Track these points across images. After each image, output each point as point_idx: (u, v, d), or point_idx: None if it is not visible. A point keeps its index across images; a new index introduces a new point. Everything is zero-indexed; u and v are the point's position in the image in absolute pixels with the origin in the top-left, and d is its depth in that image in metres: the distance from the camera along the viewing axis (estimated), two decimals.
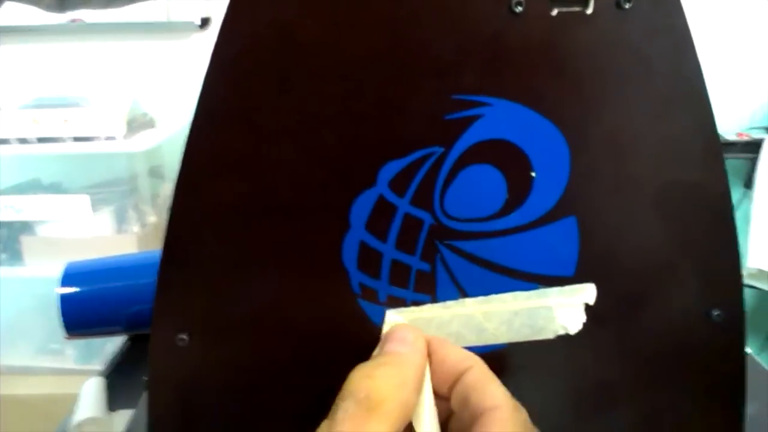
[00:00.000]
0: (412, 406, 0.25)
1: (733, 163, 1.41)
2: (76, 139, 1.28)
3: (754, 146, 1.32)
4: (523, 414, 0.24)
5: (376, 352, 0.27)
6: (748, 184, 1.36)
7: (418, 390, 0.25)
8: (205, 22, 1.46)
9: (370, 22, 0.29)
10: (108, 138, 1.27)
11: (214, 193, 0.31)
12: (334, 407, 0.23)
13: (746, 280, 1.19)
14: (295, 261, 0.32)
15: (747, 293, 1.41)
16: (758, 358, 0.63)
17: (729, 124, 1.41)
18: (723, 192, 0.31)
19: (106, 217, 1.35)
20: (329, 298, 0.33)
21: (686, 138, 0.30)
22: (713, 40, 1.28)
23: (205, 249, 0.31)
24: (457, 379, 0.26)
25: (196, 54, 1.46)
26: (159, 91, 1.46)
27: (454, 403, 0.26)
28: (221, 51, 0.28)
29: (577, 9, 0.28)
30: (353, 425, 0.22)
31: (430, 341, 0.27)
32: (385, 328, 0.29)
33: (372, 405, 0.23)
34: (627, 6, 0.28)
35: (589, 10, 0.28)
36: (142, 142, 1.30)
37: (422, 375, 0.26)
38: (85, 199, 1.29)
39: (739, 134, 1.39)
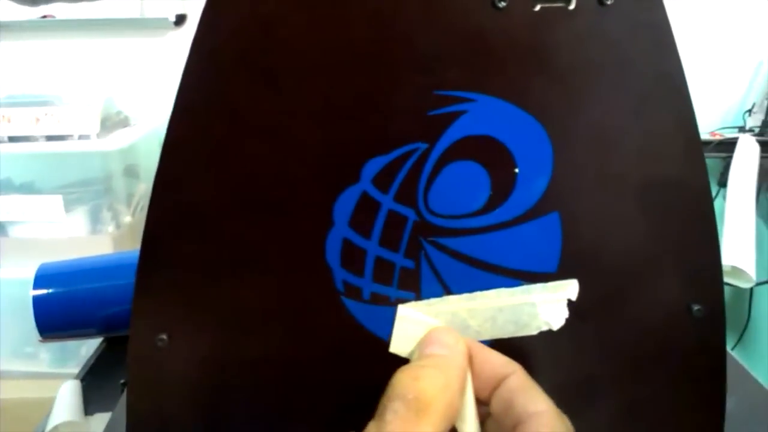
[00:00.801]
0: (457, 409, 0.25)
1: (707, 162, 1.43)
2: (49, 138, 1.25)
3: (727, 145, 1.34)
4: (566, 420, 0.25)
5: (415, 355, 0.28)
6: (722, 182, 1.38)
7: (462, 393, 0.26)
8: (180, 19, 1.44)
9: (352, 15, 0.28)
10: (81, 137, 1.25)
11: (193, 191, 0.30)
12: (381, 408, 0.24)
13: None
14: (278, 259, 0.32)
15: None
16: (734, 354, 0.64)
17: (702, 124, 1.43)
18: (703, 188, 0.31)
19: (80, 218, 1.32)
20: (313, 296, 0.32)
21: (667, 134, 0.30)
22: (687, 40, 1.30)
23: (185, 248, 0.31)
24: (498, 384, 0.26)
25: (171, 51, 1.44)
26: (133, 89, 1.44)
27: (496, 406, 0.26)
28: (200, 44, 0.28)
29: (559, 5, 0.28)
30: (403, 426, 0.22)
31: (470, 345, 0.28)
32: (398, 323, 0.29)
33: (421, 406, 0.23)
34: (609, 2, 0.28)
35: (572, 6, 0.28)
36: (117, 140, 1.27)
37: (465, 378, 0.26)
38: (58, 200, 1.27)
39: (713, 133, 1.41)
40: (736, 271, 1.18)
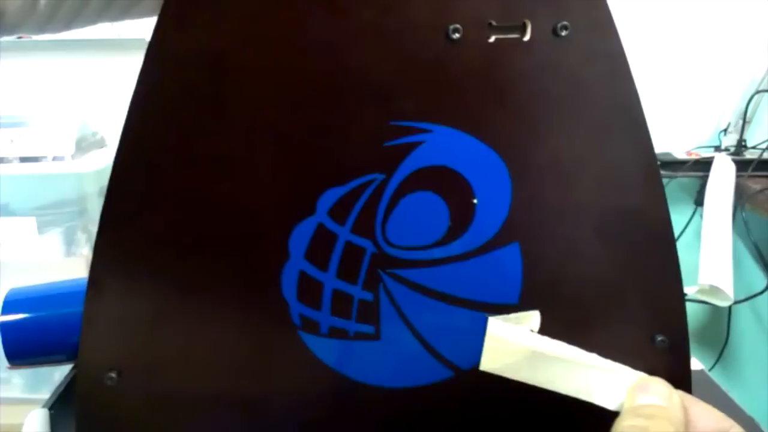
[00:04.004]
0: None
1: (683, 182, 1.45)
2: (23, 159, 1.23)
3: (703, 165, 1.35)
4: None
5: (627, 403, 0.28)
6: (699, 201, 1.39)
7: None
8: None
9: (306, 47, 0.28)
10: (56, 158, 1.23)
11: (142, 224, 0.29)
12: None
13: (699, 296, 1.20)
14: (232, 293, 0.31)
15: (700, 309, 1.43)
16: (711, 375, 0.64)
17: (679, 143, 1.45)
18: (663, 218, 0.31)
19: (54, 240, 1.30)
20: (269, 331, 0.32)
21: (625, 164, 0.30)
22: (663, 60, 1.31)
23: (135, 283, 0.30)
24: None
25: None
26: (109, 109, 1.42)
27: None
28: (148, 75, 0.27)
29: (514, 36, 0.28)
30: None
31: (682, 397, 0.28)
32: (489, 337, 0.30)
33: None
34: (563, 33, 0.28)
35: (526, 38, 0.28)
36: (92, 162, 1.26)
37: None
38: (31, 221, 1.25)
39: (689, 153, 1.42)
40: (714, 290, 1.18)
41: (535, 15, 0.28)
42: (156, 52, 0.27)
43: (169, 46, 0.27)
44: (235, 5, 0.27)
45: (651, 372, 0.33)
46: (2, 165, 1.25)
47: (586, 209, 0.31)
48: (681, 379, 0.34)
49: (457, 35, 0.28)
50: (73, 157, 1.24)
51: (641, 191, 0.30)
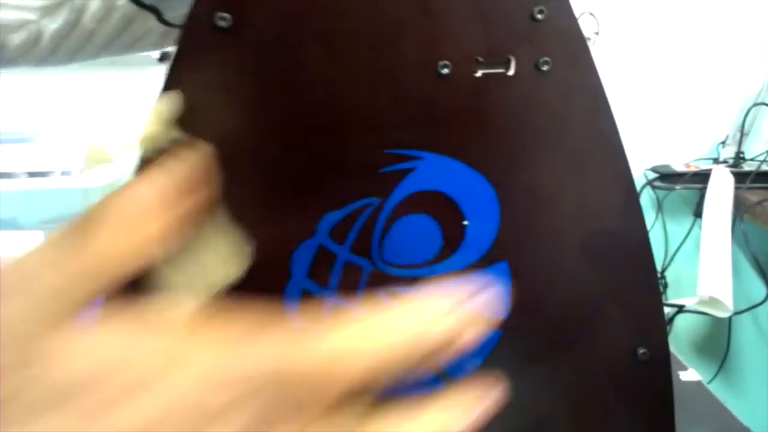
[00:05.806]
0: None
1: (682, 194, 1.46)
2: (31, 174, 1.26)
3: (702, 177, 1.37)
4: None
5: None
6: (698, 213, 1.41)
7: None
8: (164, 56, 1.46)
9: (306, 82, 0.30)
10: (63, 173, 1.26)
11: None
12: None
13: (698, 307, 1.22)
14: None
15: (700, 320, 1.45)
16: (709, 387, 0.65)
17: (677, 156, 1.46)
18: (643, 241, 0.33)
19: None
20: None
21: (606, 191, 0.32)
22: (663, 74, 1.34)
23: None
24: None
25: (155, 87, 1.45)
26: (117, 124, 1.45)
27: None
28: None
29: (499, 71, 0.30)
30: None
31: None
32: None
33: None
34: (545, 68, 0.30)
35: (511, 72, 0.30)
36: (99, 177, 1.28)
37: None
38: (39, 236, 1.27)
39: (687, 165, 1.44)
40: (714, 302, 1.20)
41: (518, 51, 0.30)
42: (172, 88, 0.29)
43: (183, 83, 0.29)
44: (246, 50, 0.29)
45: (635, 383, 0.35)
46: (10, 180, 1.27)
47: (569, 231, 0.33)
48: (664, 389, 0.36)
49: (446, 71, 0.30)
50: (80, 171, 1.27)
51: (620, 215, 0.32)
